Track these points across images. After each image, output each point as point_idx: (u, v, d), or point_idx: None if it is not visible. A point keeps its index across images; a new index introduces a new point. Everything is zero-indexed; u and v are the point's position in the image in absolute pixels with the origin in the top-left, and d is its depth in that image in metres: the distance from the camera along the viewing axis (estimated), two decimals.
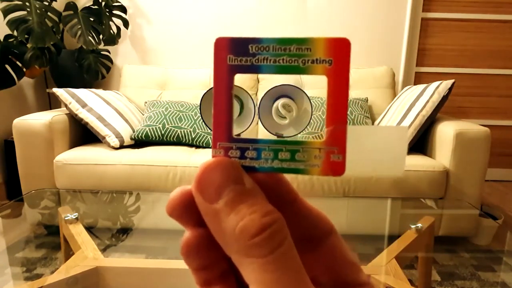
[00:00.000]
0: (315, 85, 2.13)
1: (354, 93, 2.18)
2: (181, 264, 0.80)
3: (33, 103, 2.45)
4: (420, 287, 1.19)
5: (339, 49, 0.15)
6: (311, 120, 0.89)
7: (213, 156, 0.16)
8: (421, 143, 1.78)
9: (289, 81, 2.12)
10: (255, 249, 0.14)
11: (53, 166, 1.62)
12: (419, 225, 1.05)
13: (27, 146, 1.62)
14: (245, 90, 0.92)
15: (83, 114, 1.71)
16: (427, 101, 1.64)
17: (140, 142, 1.82)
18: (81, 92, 1.76)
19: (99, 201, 1.55)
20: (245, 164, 0.16)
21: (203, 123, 0.77)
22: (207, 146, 1.82)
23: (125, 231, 1.48)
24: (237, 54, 0.15)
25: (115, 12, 2.27)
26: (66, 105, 1.73)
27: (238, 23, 2.45)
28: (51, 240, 1.60)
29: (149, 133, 1.79)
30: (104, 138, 1.71)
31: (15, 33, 1.88)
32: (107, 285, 0.86)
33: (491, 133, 1.54)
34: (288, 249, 0.14)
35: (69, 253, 0.97)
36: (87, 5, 2.21)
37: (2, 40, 2.02)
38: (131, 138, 1.79)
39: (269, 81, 2.19)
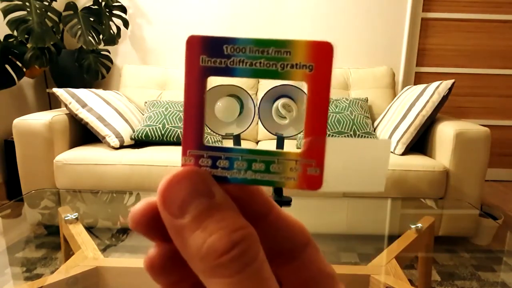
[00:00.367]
0: None
1: (354, 93, 2.18)
2: None
3: (33, 103, 2.45)
4: (420, 287, 1.19)
5: (321, 54, 0.14)
6: None
7: (182, 165, 0.15)
8: (421, 143, 1.78)
9: (289, 81, 2.12)
10: (222, 269, 0.12)
11: (53, 166, 1.62)
12: (419, 225, 1.05)
13: (27, 146, 1.62)
14: (245, 90, 0.92)
15: (83, 114, 1.71)
16: (427, 101, 1.64)
17: (140, 142, 1.82)
18: (81, 92, 1.76)
19: (99, 201, 1.55)
20: (216, 174, 0.15)
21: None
22: None
23: (125, 231, 1.48)
24: (211, 55, 0.14)
25: (115, 12, 2.27)
26: (66, 105, 1.73)
27: (238, 23, 2.45)
28: (51, 240, 1.60)
29: (149, 133, 1.79)
30: (104, 138, 1.71)
31: (15, 33, 1.88)
32: (107, 285, 0.86)
33: (491, 133, 1.54)
34: (258, 267, 0.13)
35: (69, 253, 0.97)
36: (87, 5, 2.21)
37: (2, 40, 2.02)
38: (131, 138, 1.79)
39: (270, 81, 2.18)
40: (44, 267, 1.38)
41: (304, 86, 0.14)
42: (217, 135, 0.89)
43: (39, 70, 2.14)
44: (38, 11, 1.92)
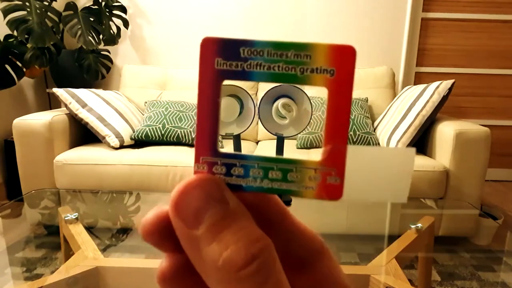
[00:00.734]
0: None
1: (354, 93, 2.17)
2: None
3: (33, 103, 2.45)
4: (420, 287, 1.19)
5: (343, 58, 0.13)
6: (311, 120, 0.89)
7: (195, 172, 0.14)
8: (421, 143, 1.78)
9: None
10: (241, 283, 0.12)
11: (53, 166, 1.62)
12: (419, 225, 1.05)
13: (27, 146, 1.62)
14: (245, 90, 0.92)
15: (83, 114, 1.71)
16: (427, 101, 1.64)
17: (140, 142, 1.82)
18: (81, 92, 1.76)
19: (99, 201, 1.55)
20: (230, 182, 0.14)
21: None
22: None
23: (125, 231, 1.48)
24: (226, 58, 0.14)
25: (115, 12, 2.27)
26: (66, 105, 1.73)
27: (239, 23, 2.45)
28: (51, 240, 1.60)
29: (149, 133, 1.79)
30: (104, 138, 1.71)
31: (15, 33, 1.88)
32: (107, 285, 0.86)
33: (491, 133, 1.54)
34: (277, 280, 0.12)
35: (69, 253, 0.97)
36: (87, 5, 2.21)
37: (2, 40, 2.02)
38: (131, 138, 1.79)
39: None
40: (44, 267, 1.38)
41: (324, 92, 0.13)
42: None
43: (39, 70, 2.14)
44: (38, 11, 1.92)
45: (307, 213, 1.31)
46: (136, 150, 1.72)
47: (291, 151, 1.81)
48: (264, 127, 0.88)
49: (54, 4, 2.09)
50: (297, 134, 0.90)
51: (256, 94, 2.21)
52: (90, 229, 1.14)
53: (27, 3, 1.91)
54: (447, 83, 1.64)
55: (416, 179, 1.55)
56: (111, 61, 2.40)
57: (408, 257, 1.06)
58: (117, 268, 0.88)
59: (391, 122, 1.80)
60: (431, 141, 1.72)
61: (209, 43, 0.14)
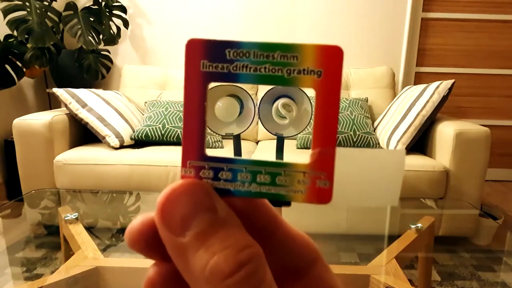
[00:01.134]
0: None
1: (354, 93, 2.18)
2: None
3: (33, 103, 2.45)
4: (420, 287, 1.19)
5: (331, 59, 0.13)
6: (311, 120, 0.88)
7: (182, 177, 0.14)
8: (421, 143, 1.78)
9: None
10: None
11: (53, 166, 1.62)
12: (419, 225, 1.05)
13: (27, 146, 1.62)
14: (245, 90, 0.92)
15: (83, 114, 1.71)
16: (427, 101, 1.64)
17: (140, 142, 1.82)
18: (81, 92, 1.76)
19: (99, 201, 1.55)
20: (218, 186, 0.14)
21: None
22: (206, 147, 1.82)
23: (125, 231, 1.48)
24: (212, 60, 0.13)
25: (115, 12, 2.27)
26: (66, 105, 1.73)
27: (239, 23, 2.45)
28: (51, 240, 1.60)
29: (149, 133, 1.79)
30: (104, 138, 1.71)
31: (15, 33, 1.88)
32: (107, 285, 0.86)
33: (491, 133, 1.54)
34: None
35: (69, 253, 0.97)
36: (87, 5, 2.21)
37: (2, 40, 2.02)
38: (131, 138, 1.79)
39: None
40: (44, 267, 1.38)
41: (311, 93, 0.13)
42: (217, 135, 0.89)
43: (39, 70, 2.14)
44: (38, 11, 1.92)
45: (308, 213, 1.31)
46: (136, 150, 1.72)
47: (291, 151, 1.81)
48: (264, 127, 0.88)
49: (54, 4, 2.09)
50: (297, 134, 0.90)
51: (256, 94, 2.21)
52: (90, 229, 1.14)
53: (27, 3, 1.91)
54: (447, 83, 1.64)
55: (416, 179, 1.55)
56: (111, 61, 2.40)
57: (408, 257, 1.06)
58: (117, 268, 0.88)
59: (391, 122, 1.80)
60: (431, 141, 1.72)
61: (194, 45, 0.14)
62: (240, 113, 0.87)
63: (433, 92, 1.65)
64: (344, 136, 1.82)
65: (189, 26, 2.46)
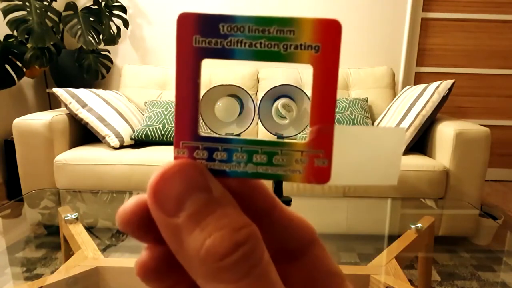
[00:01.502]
0: None
1: (354, 93, 2.18)
2: None
3: (33, 103, 2.45)
4: (420, 287, 1.19)
5: (329, 33, 0.12)
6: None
7: (175, 158, 0.14)
8: (421, 143, 1.78)
9: (289, 81, 2.12)
10: (225, 273, 0.11)
11: (53, 166, 1.62)
12: (419, 225, 1.05)
13: (27, 146, 1.62)
14: (245, 90, 0.92)
15: (83, 114, 1.71)
16: (427, 101, 1.64)
17: (140, 142, 1.82)
18: (81, 92, 1.76)
19: (99, 201, 1.55)
20: (213, 167, 0.13)
21: (203, 123, 0.77)
22: None
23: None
24: (205, 35, 0.13)
25: (115, 12, 2.27)
26: (66, 105, 1.73)
27: None
28: (51, 240, 1.60)
29: (149, 133, 1.79)
30: (104, 138, 1.71)
31: (15, 33, 1.88)
32: (107, 285, 0.86)
33: (491, 133, 1.54)
34: (264, 269, 0.12)
35: (69, 253, 0.97)
36: (87, 5, 2.21)
37: (2, 40, 2.01)
38: (131, 138, 1.79)
39: (270, 80, 2.19)
40: (44, 267, 1.38)
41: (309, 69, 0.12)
42: (217, 135, 0.89)
43: (39, 70, 2.14)
44: (38, 11, 1.92)
45: (307, 213, 1.31)
46: (136, 150, 1.72)
47: None
48: (264, 127, 0.88)
49: (54, 4, 2.09)
50: (297, 134, 0.91)
51: (256, 94, 2.21)
52: (90, 229, 1.14)
53: (27, 3, 1.91)
54: (447, 83, 1.64)
55: (416, 179, 1.55)
56: (111, 61, 2.40)
57: (408, 257, 1.06)
58: (117, 268, 0.88)
59: (391, 122, 1.80)
60: (431, 141, 1.72)
61: (186, 19, 0.13)
62: (240, 113, 0.87)
63: (433, 92, 1.65)
64: None
65: None
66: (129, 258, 0.91)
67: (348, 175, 0.13)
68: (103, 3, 2.23)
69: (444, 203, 1.64)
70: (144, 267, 0.14)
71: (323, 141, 0.13)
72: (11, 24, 1.86)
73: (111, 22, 2.26)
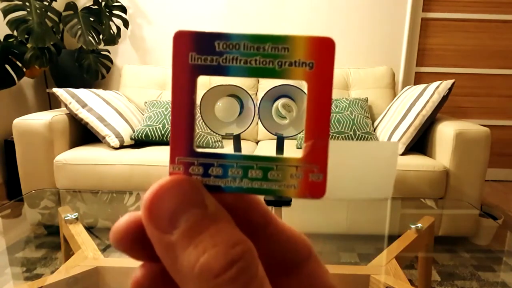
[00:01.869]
0: None
1: (354, 93, 2.18)
2: None
3: (33, 103, 2.45)
4: (420, 287, 1.19)
5: (322, 50, 0.13)
6: None
7: (170, 174, 0.14)
8: (421, 143, 1.78)
9: (289, 81, 2.12)
10: None
11: (53, 166, 1.62)
12: (419, 225, 1.05)
13: (27, 146, 1.62)
14: (245, 90, 0.92)
15: (83, 114, 1.71)
16: (427, 101, 1.64)
17: (140, 142, 1.82)
18: (81, 92, 1.76)
19: (99, 201, 1.55)
20: (208, 183, 0.14)
21: (203, 123, 0.77)
22: (206, 146, 1.82)
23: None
24: (201, 52, 0.13)
25: (115, 12, 2.27)
26: (66, 105, 1.73)
27: (239, 23, 2.45)
28: (51, 240, 1.60)
29: (149, 133, 1.79)
30: (104, 138, 1.71)
31: (15, 33, 1.88)
32: (107, 285, 0.86)
33: (491, 133, 1.54)
34: (259, 286, 0.12)
35: (69, 253, 0.97)
36: (87, 5, 2.21)
37: (2, 40, 2.02)
38: (131, 138, 1.79)
39: (269, 81, 2.19)
40: (44, 267, 1.38)
41: (303, 86, 0.13)
42: (217, 135, 0.89)
43: (39, 70, 2.14)
44: (38, 11, 1.92)
45: (307, 213, 1.31)
46: (136, 150, 1.72)
47: (291, 151, 1.81)
48: (264, 127, 0.88)
49: (54, 4, 2.09)
50: (297, 134, 0.90)
51: (256, 94, 2.21)
52: (90, 229, 1.14)
53: (27, 3, 1.91)
54: (447, 83, 1.64)
55: (416, 179, 1.55)
56: (111, 61, 2.40)
57: (408, 257, 1.06)
58: (117, 268, 0.88)
59: (391, 122, 1.80)
60: (431, 141, 1.72)
61: (182, 36, 0.13)
62: (240, 113, 0.87)
63: (433, 92, 1.65)
64: (344, 136, 1.82)
65: (189, 26, 2.46)
66: (129, 258, 0.91)
67: (342, 189, 0.14)
68: (103, 3, 2.23)
69: (444, 203, 1.64)
70: (138, 284, 0.14)
71: (317, 156, 0.13)
72: (11, 24, 1.86)
73: (111, 22, 2.26)
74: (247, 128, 0.89)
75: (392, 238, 1.04)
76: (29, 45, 1.90)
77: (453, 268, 1.45)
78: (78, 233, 0.98)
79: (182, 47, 0.13)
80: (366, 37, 2.46)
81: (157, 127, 1.81)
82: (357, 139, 1.81)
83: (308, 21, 2.44)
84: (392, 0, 2.41)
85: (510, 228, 1.81)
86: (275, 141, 0.94)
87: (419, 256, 1.15)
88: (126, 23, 2.33)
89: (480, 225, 1.64)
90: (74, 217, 1.04)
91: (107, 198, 1.58)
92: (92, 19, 2.15)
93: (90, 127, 1.72)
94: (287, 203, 1.04)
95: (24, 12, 1.90)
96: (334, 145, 0.13)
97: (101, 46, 2.27)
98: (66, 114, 1.76)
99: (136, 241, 0.13)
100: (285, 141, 0.95)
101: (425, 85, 1.76)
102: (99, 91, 1.89)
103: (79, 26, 2.08)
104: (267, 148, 1.89)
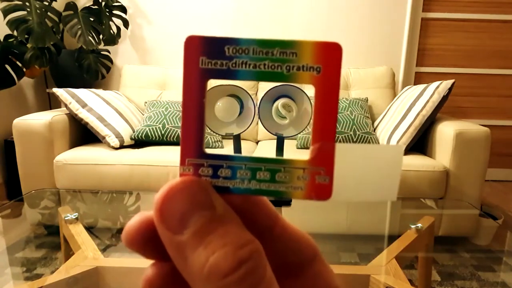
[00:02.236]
0: None
1: (354, 93, 2.18)
2: None
3: (33, 103, 2.45)
4: (420, 287, 1.19)
5: (329, 55, 0.13)
6: (311, 120, 0.88)
7: (180, 175, 0.14)
8: (421, 143, 1.78)
9: None
10: None
11: (53, 166, 1.62)
12: (419, 225, 1.05)
13: (27, 146, 1.62)
14: (245, 90, 0.92)
15: (83, 114, 1.71)
16: (427, 101, 1.64)
17: (140, 142, 1.82)
18: (81, 92, 1.76)
19: (99, 201, 1.55)
20: (217, 184, 0.14)
21: None
22: (206, 146, 1.82)
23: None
24: (211, 57, 0.13)
25: (115, 12, 2.27)
26: (66, 105, 1.73)
27: (239, 23, 2.45)
28: (51, 240, 1.60)
29: (149, 133, 1.79)
30: (104, 138, 1.71)
31: (15, 33, 1.88)
32: (107, 285, 0.86)
33: (491, 133, 1.54)
34: (267, 286, 0.12)
35: (69, 253, 0.97)
36: (87, 5, 2.21)
37: (2, 40, 2.02)
38: (131, 138, 1.79)
39: None
40: (44, 267, 1.38)
41: (308, 89, 0.13)
42: (217, 135, 0.89)
43: (39, 70, 2.14)
44: (38, 11, 1.92)
45: (307, 213, 1.31)
46: (136, 150, 1.72)
47: (291, 151, 1.81)
48: (264, 127, 0.88)
49: (54, 4, 2.09)
50: (297, 134, 0.90)
51: (256, 94, 2.21)
52: (90, 229, 1.14)
53: (27, 3, 1.91)
54: (447, 83, 1.64)
55: (416, 179, 1.55)
56: (111, 61, 2.40)
57: (408, 257, 1.06)
58: (117, 268, 0.88)
59: (391, 122, 1.80)
60: (431, 141, 1.72)
61: (193, 41, 0.14)
62: (240, 113, 0.87)
63: (433, 92, 1.65)
64: (344, 136, 1.82)
65: (189, 26, 2.46)
66: (129, 258, 0.91)
67: (348, 191, 0.14)
68: (103, 3, 2.23)
69: (444, 203, 1.64)
70: (150, 283, 0.14)
71: (324, 159, 0.14)
72: (11, 24, 1.86)
73: (111, 22, 2.26)
74: (247, 128, 0.89)
75: (392, 238, 1.04)
76: (29, 45, 1.90)
77: (453, 268, 1.45)
78: (78, 233, 0.98)
79: (193, 51, 0.14)
80: (366, 37, 2.46)
81: (157, 127, 1.81)
82: (357, 139, 1.81)
83: (308, 21, 2.44)
84: (392, 0, 2.41)
85: (510, 228, 1.81)
86: (275, 141, 0.94)
87: (419, 256, 1.15)
88: (126, 23, 2.33)
89: (480, 225, 1.64)
90: (74, 217, 1.04)
91: (107, 198, 1.58)
92: (92, 19, 2.15)
93: (90, 127, 1.72)
94: (287, 203, 1.04)
95: (24, 12, 1.90)
96: (341, 148, 0.13)
97: (101, 46, 2.27)
98: (66, 114, 1.76)
99: (148, 241, 0.14)
100: (285, 141, 0.95)
101: (425, 85, 1.76)
102: (99, 91, 1.89)
103: (79, 26, 2.08)
104: (267, 148, 1.89)
